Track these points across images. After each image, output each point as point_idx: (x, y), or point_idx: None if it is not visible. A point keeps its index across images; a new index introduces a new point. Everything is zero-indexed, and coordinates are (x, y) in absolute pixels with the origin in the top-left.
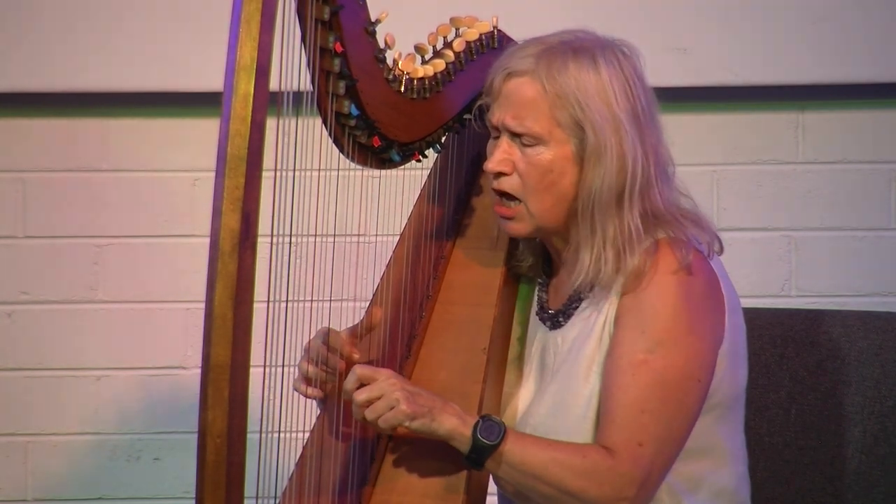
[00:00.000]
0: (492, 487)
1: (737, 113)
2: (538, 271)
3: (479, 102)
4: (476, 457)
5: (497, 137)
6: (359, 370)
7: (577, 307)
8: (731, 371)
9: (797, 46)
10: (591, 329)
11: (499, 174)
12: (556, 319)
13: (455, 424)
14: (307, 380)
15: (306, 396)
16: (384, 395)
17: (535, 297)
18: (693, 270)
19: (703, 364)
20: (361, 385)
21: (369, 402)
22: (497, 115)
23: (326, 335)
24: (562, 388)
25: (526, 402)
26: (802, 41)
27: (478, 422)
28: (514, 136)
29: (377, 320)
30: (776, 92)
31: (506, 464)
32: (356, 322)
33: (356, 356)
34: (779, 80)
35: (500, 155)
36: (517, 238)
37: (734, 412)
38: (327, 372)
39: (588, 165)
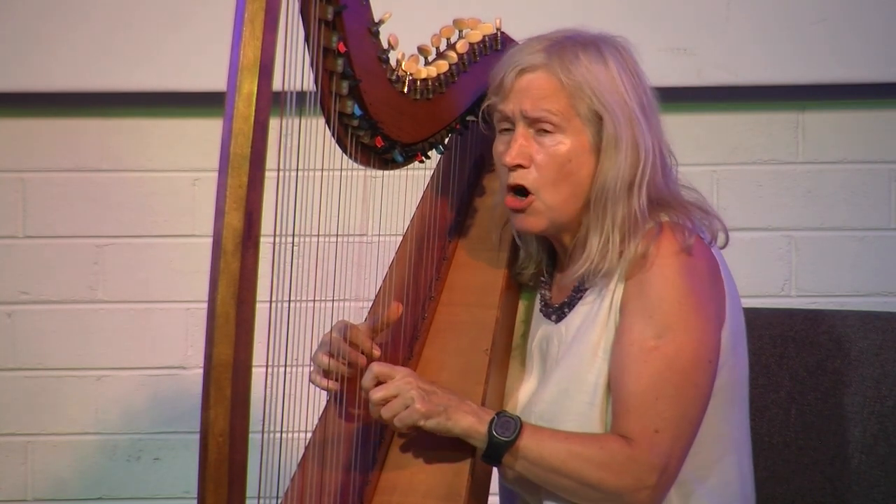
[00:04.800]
0: (493, 488)
1: (737, 113)
2: (540, 274)
3: (485, 103)
4: (493, 453)
5: (509, 130)
6: (376, 368)
7: (581, 297)
8: (733, 354)
9: (797, 46)
10: (595, 315)
11: (516, 167)
12: (560, 311)
13: (471, 422)
14: (325, 372)
15: (321, 388)
16: (400, 393)
17: (538, 296)
18: (694, 253)
19: (711, 346)
20: (379, 383)
21: (385, 401)
22: (511, 106)
23: (345, 329)
24: (567, 374)
25: (528, 392)
26: (802, 41)
27: (493, 419)
28: (531, 125)
29: (396, 315)
30: (776, 92)
31: (523, 459)
32: (360, 321)
33: (377, 352)
34: (779, 80)
35: (518, 148)
36: (530, 234)
37: (736, 399)
38: (344, 364)
39: (605, 156)
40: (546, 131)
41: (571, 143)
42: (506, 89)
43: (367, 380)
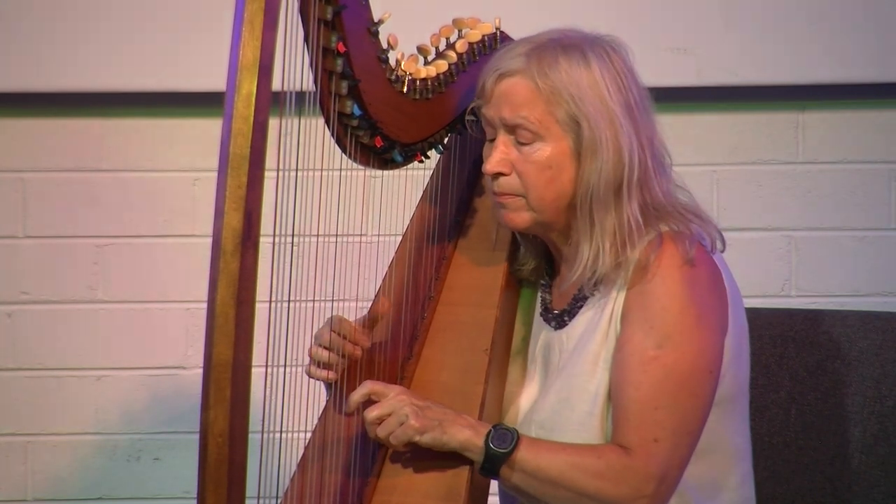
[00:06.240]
0: (493, 488)
1: (737, 113)
2: (540, 273)
3: (471, 105)
4: (490, 466)
5: (492, 140)
6: (370, 386)
7: (582, 306)
8: (735, 364)
9: (797, 46)
10: (596, 325)
11: (498, 175)
12: (560, 319)
13: (467, 436)
14: (320, 364)
15: (318, 379)
16: (394, 411)
17: (539, 298)
18: (696, 263)
19: (712, 355)
20: (371, 401)
21: (380, 419)
22: (492, 113)
23: (337, 323)
24: (568, 384)
25: (530, 399)
26: (802, 41)
27: (490, 431)
28: (510, 132)
29: (384, 310)
30: (776, 92)
31: (520, 471)
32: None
33: (366, 342)
34: (779, 80)
35: (498, 156)
36: (516, 230)
37: (737, 408)
38: (340, 356)
39: (585, 160)
40: (526, 140)
41: (552, 150)
42: (487, 94)
43: (356, 394)
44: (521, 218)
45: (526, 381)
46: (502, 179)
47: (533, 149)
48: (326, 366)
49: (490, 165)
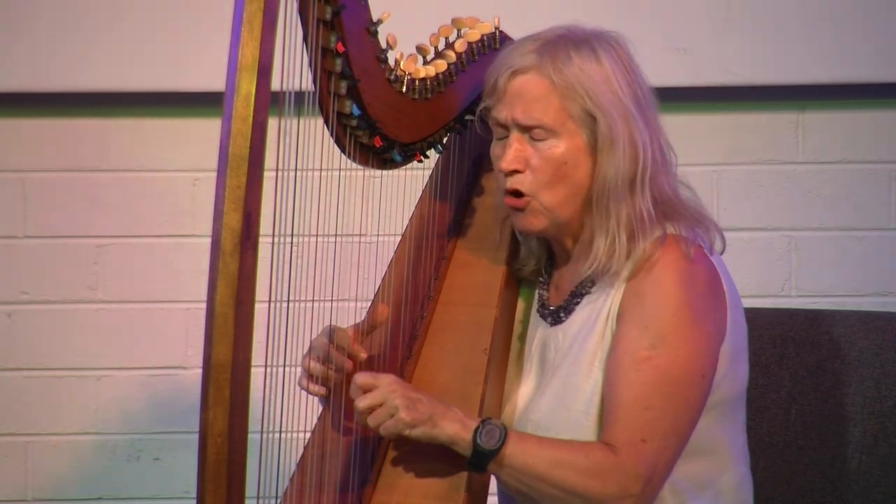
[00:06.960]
0: (492, 488)
1: (737, 113)
2: (540, 272)
3: (480, 105)
4: (478, 461)
5: (503, 138)
6: (359, 379)
7: (579, 303)
8: (733, 368)
9: (797, 46)
10: (593, 323)
11: (512, 172)
12: (556, 315)
13: (456, 430)
14: (311, 377)
15: (310, 393)
16: (385, 402)
17: (536, 295)
18: (694, 266)
19: (706, 359)
20: (365, 391)
21: (371, 409)
22: (505, 113)
23: (331, 333)
24: (564, 383)
25: (526, 397)
26: (802, 41)
27: (478, 426)
28: (524, 131)
29: (383, 317)
30: (776, 92)
31: (508, 467)
32: (358, 321)
33: (363, 355)
34: (779, 80)
35: (513, 153)
36: (532, 234)
37: (735, 411)
38: (332, 369)
39: (602, 155)
40: (539, 137)
41: (566, 146)
42: (499, 92)
43: (352, 391)
44: (538, 221)
45: (522, 378)
46: (517, 176)
47: (547, 145)
48: (319, 378)
49: (505, 163)
